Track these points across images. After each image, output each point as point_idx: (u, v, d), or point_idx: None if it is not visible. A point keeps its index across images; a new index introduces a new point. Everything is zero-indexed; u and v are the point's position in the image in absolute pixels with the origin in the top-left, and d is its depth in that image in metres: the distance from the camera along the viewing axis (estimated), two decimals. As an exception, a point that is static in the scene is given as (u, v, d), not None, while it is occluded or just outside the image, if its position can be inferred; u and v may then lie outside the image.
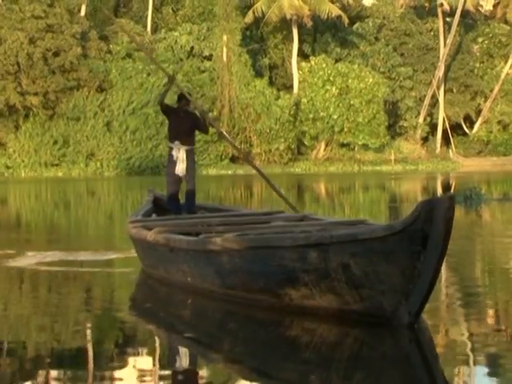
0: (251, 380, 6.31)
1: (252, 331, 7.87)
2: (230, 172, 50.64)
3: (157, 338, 8.10)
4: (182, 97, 12.69)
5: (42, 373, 7.02)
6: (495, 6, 62.38)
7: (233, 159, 51.43)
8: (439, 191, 31.50)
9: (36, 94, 50.15)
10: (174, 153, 12.24)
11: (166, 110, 12.46)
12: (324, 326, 7.67)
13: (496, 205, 23.62)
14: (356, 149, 55.52)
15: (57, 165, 50.77)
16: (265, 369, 6.49)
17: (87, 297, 10.18)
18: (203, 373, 6.64)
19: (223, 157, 51.57)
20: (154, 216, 11.93)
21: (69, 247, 14.83)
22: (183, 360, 7.15)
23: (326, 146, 55.67)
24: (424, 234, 6.93)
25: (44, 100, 50.59)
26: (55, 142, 51.00)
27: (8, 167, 50.60)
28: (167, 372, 6.73)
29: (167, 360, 7.20)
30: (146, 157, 50.50)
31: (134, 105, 51.58)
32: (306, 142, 55.48)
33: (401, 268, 7.08)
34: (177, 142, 12.25)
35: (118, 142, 50.93)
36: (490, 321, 8.04)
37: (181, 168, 12.28)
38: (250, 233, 9.25)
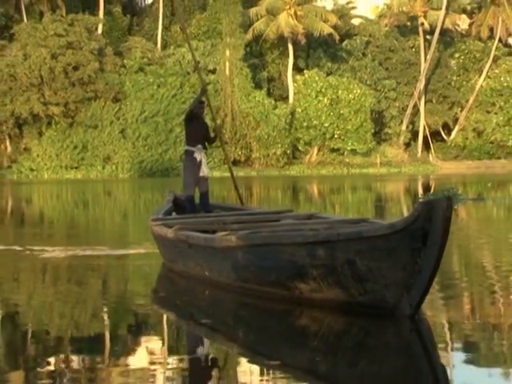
0: (263, 365, 6.27)
1: (264, 321, 7.82)
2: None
3: (177, 326, 8.10)
4: (203, 102, 12.59)
5: (61, 355, 7.01)
6: (470, 25, 62.36)
7: (234, 163, 51.40)
8: (420, 192, 31.43)
9: (57, 104, 50.13)
10: (196, 155, 12.01)
11: (192, 116, 12.20)
12: (331, 316, 7.64)
13: (471, 204, 23.63)
14: (345, 153, 55.49)
15: (76, 168, 50.75)
16: (276, 355, 6.46)
17: (112, 288, 10.20)
18: (219, 358, 6.61)
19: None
20: (173, 214, 11.82)
21: (89, 242, 14.81)
22: (200, 346, 7.14)
23: (319, 150, 55.66)
24: (424, 232, 6.90)
25: (65, 109, 50.57)
26: (75, 147, 50.98)
27: (32, 170, 50.59)
28: (185, 356, 6.73)
29: (185, 345, 7.24)
30: (156, 160, 50.53)
31: (146, 114, 51.58)
32: (300, 148, 55.46)
33: (402, 263, 7.04)
34: (199, 146, 12.09)
35: (131, 147, 50.93)
36: (479, 310, 8.04)
37: (206, 170, 12.17)
38: (262, 230, 9.18)
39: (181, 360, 6.58)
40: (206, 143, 12.46)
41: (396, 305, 7.15)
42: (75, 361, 6.87)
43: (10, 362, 6.82)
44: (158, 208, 12.82)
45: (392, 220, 11.11)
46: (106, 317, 8.53)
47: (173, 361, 6.55)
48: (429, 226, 6.89)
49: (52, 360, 6.85)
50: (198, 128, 12.14)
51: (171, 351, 6.97)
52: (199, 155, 12.04)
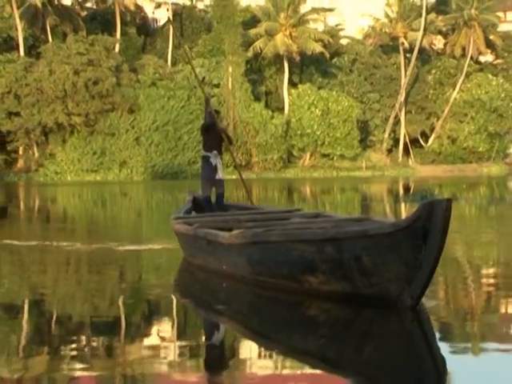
0: (276, 351, 6.23)
1: (277, 310, 7.75)
2: (234, 177, 50.59)
3: (196, 314, 8.08)
4: (217, 111, 12.60)
5: (84, 337, 6.99)
6: (445, 44, 62.41)
7: (235, 166, 51.37)
8: (401, 192, 31.44)
9: (79, 114, 50.16)
10: (212, 160, 11.97)
11: (207, 127, 12.18)
12: (338, 307, 7.59)
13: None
14: (335, 158, 55.53)
15: (96, 171, 50.77)
16: (288, 342, 6.44)
17: (135, 279, 10.14)
18: (235, 343, 6.62)
19: (229, 164, 51.51)
20: (193, 213, 11.71)
21: (109, 238, 14.78)
22: (217, 332, 7.13)
23: (311, 156, 55.67)
24: (425, 231, 6.80)
25: (85, 119, 50.60)
26: (94, 153, 51.02)
27: (57, 173, 50.62)
28: (203, 340, 6.75)
29: (204, 331, 7.24)
30: (166, 165, 50.60)
31: (158, 123, 51.62)
32: (294, 153, 55.49)
33: (405, 259, 6.95)
34: (215, 152, 12.04)
35: (144, 152, 50.97)
36: (468, 301, 7.98)
37: (221, 174, 12.12)
38: (275, 229, 9.06)
39: (198, 344, 6.57)
40: (226, 143, 12.36)
41: (398, 297, 7.06)
42: (104, 341, 6.81)
43: (37, 342, 6.82)
44: (179, 208, 12.71)
45: (377, 217, 11.05)
46: (132, 304, 8.50)
47: (191, 344, 6.53)
48: (429, 224, 6.78)
49: (78, 340, 6.85)
50: (214, 136, 12.09)
51: (190, 335, 6.96)
52: (215, 160, 12.00)
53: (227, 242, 8.92)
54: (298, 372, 5.70)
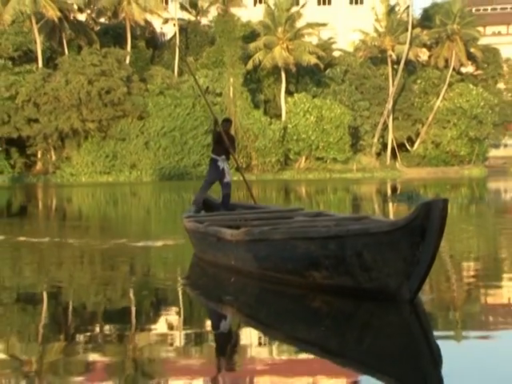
0: (282, 340, 6.22)
1: (282, 303, 7.71)
2: (235, 178, 50.57)
3: (206, 306, 8.05)
4: (226, 120, 12.49)
5: (98, 325, 6.99)
6: (429, 56, 62.37)
7: (237, 168, 51.33)
8: (389, 192, 31.43)
9: (93, 121, 50.18)
10: (219, 164, 11.93)
11: (219, 135, 12.04)
12: (340, 300, 7.53)
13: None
14: (328, 161, 55.50)
15: (108, 173, 50.77)
16: (293, 332, 6.42)
17: (148, 273, 10.11)
18: (243, 333, 6.63)
19: (230, 166, 51.55)
20: (202, 212, 11.61)
21: (120, 234, 14.77)
22: (227, 323, 7.09)
23: (306, 159, 55.66)
24: (423, 229, 6.75)
25: (99, 125, 50.62)
26: (107, 156, 51.02)
27: (72, 175, 50.63)
28: (213, 330, 6.75)
29: (214, 321, 7.20)
30: (173, 167, 50.59)
31: (165, 129, 51.61)
32: (291, 156, 55.46)
33: (403, 255, 6.91)
34: (223, 157, 12.00)
35: (153, 156, 50.97)
36: (457, 293, 8.01)
37: (229, 177, 12.01)
38: (280, 226, 8.98)
39: (209, 333, 6.59)
40: (231, 152, 12.27)
41: (397, 290, 7.02)
42: (121, 329, 6.79)
43: (54, 330, 6.84)
44: (187, 207, 12.62)
45: (374, 216, 10.93)
46: (146, 295, 8.50)
47: (201, 333, 6.53)
48: (427, 223, 6.74)
49: (92, 328, 6.85)
50: (223, 143, 11.96)
51: (200, 325, 6.98)
52: (222, 164, 11.97)
53: (236, 239, 8.85)
54: (302, 360, 5.67)
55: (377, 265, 7.11)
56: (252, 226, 9.46)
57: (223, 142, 11.96)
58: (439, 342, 5.93)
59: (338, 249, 7.36)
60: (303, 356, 5.79)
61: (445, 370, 5.21)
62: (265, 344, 6.20)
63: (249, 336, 6.48)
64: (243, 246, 8.73)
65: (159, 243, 12.45)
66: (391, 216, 17.89)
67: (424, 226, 6.74)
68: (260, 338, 6.42)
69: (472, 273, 9.41)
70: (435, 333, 6.32)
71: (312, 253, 7.64)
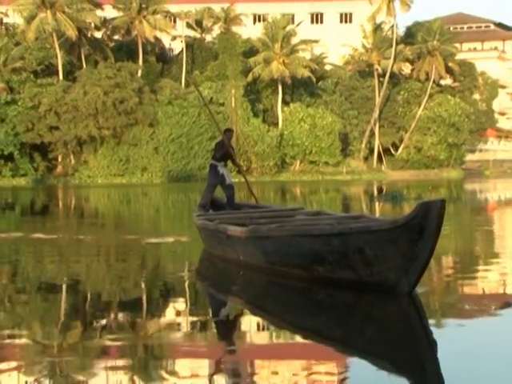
0: (288, 330, 6.13)
1: (288, 295, 7.58)
2: (236, 180, 50.57)
3: (216, 297, 7.93)
4: (228, 130, 12.39)
5: (112, 313, 6.98)
6: (412, 70, 62.38)
7: (239, 171, 51.31)
8: (375, 193, 31.42)
9: (108, 128, 50.20)
10: (219, 169, 11.79)
11: (222, 145, 11.91)
12: (343, 292, 7.37)
13: (413, 202, 23.63)
14: (320, 165, 55.53)
15: (121, 175, 50.81)
16: (298, 322, 6.32)
17: (160, 266, 10.01)
18: (252, 323, 6.50)
19: (232, 169, 51.58)
20: (211, 211, 11.44)
21: (134, 231, 14.74)
22: (236, 313, 6.99)
23: (300, 162, 55.69)
24: (421, 227, 6.62)
25: (113, 132, 50.63)
26: (120, 160, 51.06)
27: (89, 177, 50.68)
28: (223, 320, 6.64)
29: (223, 312, 7.07)
30: (180, 170, 50.64)
31: (173, 135, 51.65)
32: (287, 160, 55.49)
33: (402, 251, 6.77)
34: (222, 163, 11.88)
35: (162, 160, 51.00)
36: (454, 287, 7.92)
37: (229, 180, 11.83)
38: (286, 224, 8.80)
39: (219, 322, 6.48)
40: (230, 161, 12.14)
41: (396, 284, 6.88)
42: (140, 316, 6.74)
43: (73, 317, 6.83)
44: (197, 208, 12.45)
45: (370, 214, 10.81)
46: (160, 285, 8.43)
47: (212, 322, 6.44)
48: (425, 221, 6.60)
49: (107, 315, 6.84)
50: (225, 151, 11.85)
51: (209, 313, 6.91)
52: (221, 169, 11.84)
53: (244, 235, 8.71)
54: (307, 347, 5.58)
55: (378, 260, 6.96)
56: (258, 224, 9.30)
57: (228, 150, 11.84)
58: (433, 329, 5.92)
59: (341, 245, 7.22)
60: (308, 343, 5.70)
61: (440, 353, 5.19)
62: (272, 333, 6.11)
63: (256, 326, 6.36)
64: (251, 242, 8.58)
65: (170, 239, 12.36)
66: (377, 213, 17.89)
67: (422, 224, 6.61)
68: (267, 327, 6.33)
69: (458, 266, 9.39)
70: (430, 320, 6.27)
71: (316, 249, 7.49)
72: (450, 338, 5.61)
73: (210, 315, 6.93)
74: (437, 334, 5.76)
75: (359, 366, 5.03)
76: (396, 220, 7.01)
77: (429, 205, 6.65)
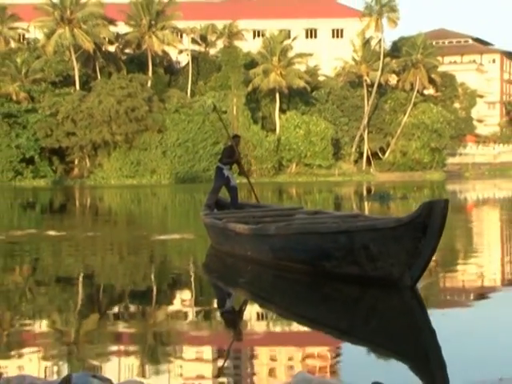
0: (296, 321, 6.02)
1: (295, 288, 7.36)
2: (238, 181, 50.54)
3: (225, 290, 7.78)
4: (236, 136, 12.29)
5: (124, 303, 6.96)
6: (398, 81, 62.35)
7: (243, 173, 51.21)
8: (364, 193, 31.42)
9: (120, 134, 50.14)
10: (225, 172, 11.65)
11: (230, 150, 11.85)
12: (348, 286, 7.17)
13: (399, 201, 23.66)
14: (314, 167, 55.47)
15: (133, 177, 50.73)
16: (305, 314, 6.18)
17: (170, 261, 9.90)
18: (260, 314, 6.40)
19: (234, 171, 51.44)
20: (215, 210, 11.24)
21: (144, 228, 14.72)
22: (245, 305, 6.88)
23: (296, 165, 55.63)
24: (425, 225, 6.44)
25: (125, 138, 50.57)
26: (132, 163, 50.98)
27: (103, 178, 50.61)
28: (232, 311, 6.52)
29: (232, 303, 6.95)
30: (186, 172, 50.57)
31: (180, 140, 51.57)
32: (283, 163, 55.44)
33: (406, 248, 6.59)
34: (228, 166, 11.75)
35: (169, 163, 50.95)
36: (450, 280, 7.86)
37: (234, 182, 11.71)
38: (294, 223, 8.57)
39: (228, 313, 6.39)
40: (236, 165, 12.02)
41: (400, 278, 6.69)
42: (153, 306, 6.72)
43: (88, 306, 6.83)
44: (203, 208, 12.28)
45: (367, 213, 10.62)
46: (172, 277, 8.34)
47: (221, 313, 6.36)
48: (429, 220, 6.42)
49: (119, 304, 6.83)
50: (231, 156, 11.76)
51: (220, 306, 6.79)
52: (227, 172, 11.70)
53: (253, 233, 8.56)
54: (315, 336, 5.49)
55: (382, 256, 6.77)
56: (263, 223, 9.11)
57: (234, 154, 11.73)
58: (433, 317, 5.86)
59: (348, 242, 7.03)
60: (315, 334, 5.60)
61: (440, 338, 5.16)
62: (280, 324, 5.99)
63: (265, 317, 6.24)
64: (260, 240, 8.38)
65: (177, 236, 12.30)
66: (366, 211, 17.88)
67: (426, 222, 6.43)
68: (275, 318, 6.20)
69: (448, 260, 9.36)
70: (430, 310, 6.21)
71: (323, 245, 7.28)
72: (448, 325, 5.57)
73: (219, 306, 6.84)
74: (436, 322, 5.68)
75: (364, 354, 4.95)
76: (400, 219, 6.83)
77: (432, 204, 6.47)
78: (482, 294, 7.01)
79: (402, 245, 6.59)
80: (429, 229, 6.44)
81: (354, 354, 4.95)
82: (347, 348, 5.18)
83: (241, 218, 9.89)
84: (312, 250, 7.46)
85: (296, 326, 5.87)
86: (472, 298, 6.81)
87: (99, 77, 53.96)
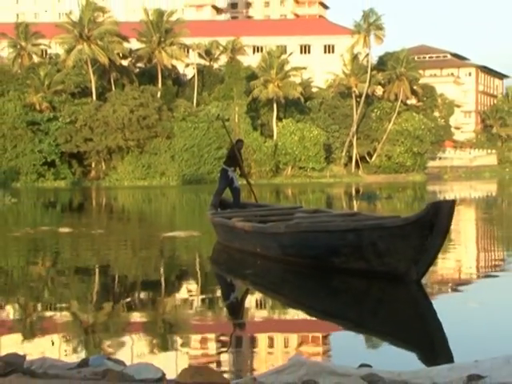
0: (305, 312, 5.86)
1: (304, 282, 7.12)
2: (239, 182, 50.51)
3: (234, 283, 7.57)
4: (239, 141, 12.18)
5: (136, 293, 6.94)
6: (383, 92, 62.31)
7: (244, 175, 51.17)
8: (353, 193, 31.41)
9: (133, 140, 50.14)
10: (229, 173, 11.45)
11: (234, 152, 11.66)
12: (356, 279, 6.88)
13: (384, 200, 23.66)
14: (308, 170, 55.47)
15: (144, 179, 50.71)
16: (314, 306, 6.00)
17: (179, 256, 9.73)
18: (270, 306, 6.23)
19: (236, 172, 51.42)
20: (219, 210, 10.95)
21: (155, 225, 14.68)
22: (255, 297, 6.70)
23: (291, 168, 55.62)
24: (431, 224, 6.20)
25: (137, 143, 50.56)
26: (143, 166, 50.96)
27: (117, 180, 50.59)
28: (243, 303, 6.32)
29: (243, 296, 6.75)
30: (192, 174, 50.56)
31: (187, 146, 51.53)
32: (280, 166, 55.41)
33: (413, 245, 6.35)
34: (232, 168, 11.55)
35: (177, 166, 50.92)
36: (447, 275, 7.64)
37: (237, 183, 11.52)
38: (303, 222, 8.24)
39: (239, 305, 6.22)
40: (241, 165, 11.83)
41: (406, 272, 6.44)
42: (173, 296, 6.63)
43: (104, 296, 6.82)
44: (209, 207, 12.04)
45: (365, 211, 10.34)
46: (179, 271, 8.23)
47: (231, 305, 6.23)
48: (435, 219, 6.17)
49: (132, 294, 6.81)
50: (234, 159, 11.61)
51: (230, 298, 6.64)
52: (231, 174, 11.51)
53: (262, 231, 8.28)
54: (326, 326, 5.32)
55: (389, 252, 6.52)
56: (268, 221, 8.80)
57: (236, 157, 11.59)
58: (436, 308, 5.74)
59: (356, 239, 6.77)
60: (326, 324, 5.42)
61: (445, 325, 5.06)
62: (289, 315, 5.79)
63: (275, 308, 6.07)
64: (270, 237, 8.09)
65: (185, 232, 12.20)
66: (355, 209, 17.86)
67: (433, 221, 6.19)
68: (285, 309, 6.01)
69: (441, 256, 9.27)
70: (435, 305, 6.00)
71: (332, 242, 7.01)
72: (450, 312, 5.48)
73: (225, 295, 6.72)
74: (439, 314, 5.49)
75: (372, 341, 4.80)
76: (408, 217, 6.58)
77: (439, 204, 6.25)
78: (463, 283, 7.00)
79: (409, 242, 6.36)
80: (435, 227, 6.21)
81: (362, 342, 4.79)
82: (354, 336, 4.99)
83: (250, 217, 9.63)
84: (321, 247, 7.20)
85: (305, 316, 5.71)
86: (460, 286, 6.78)
87: (114, 88, 53.95)
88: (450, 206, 6.22)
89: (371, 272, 6.74)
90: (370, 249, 6.67)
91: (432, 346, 4.69)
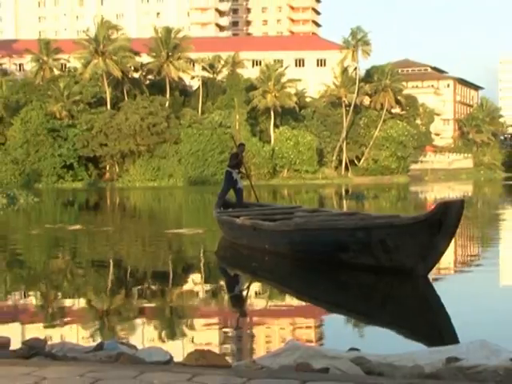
0: (314, 304, 5.67)
1: (313, 276, 6.78)
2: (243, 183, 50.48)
3: (243, 278, 7.34)
4: (241, 144, 12.06)
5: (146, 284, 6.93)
6: (370, 101, 62.28)
7: (247, 176, 51.10)
8: (343, 193, 31.38)
9: (144, 145, 50.12)
10: (233, 175, 11.26)
11: (237, 155, 11.55)
12: (364, 274, 6.56)
13: (371, 200, 23.62)
14: (302, 172, 55.43)
15: (153, 180, 50.69)
16: (323, 298, 5.79)
17: (188, 252, 9.54)
18: (280, 299, 6.05)
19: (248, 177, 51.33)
20: (221, 209, 10.65)
21: (165, 223, 14.62)
22: (265, 290, 6.47)
23: (287, 170, 55.61)
24: (440, 222, 5.92)
25: (147, 148, 50.54)
26: (153, 169, 50.95)
27: (130, 181, 50.55)
28: (252, 296, 6.12)
29: (252, 290, 6.51)
30: (197, 176, 50.50)
31: (192, 150, 51.48)
32: (277, 169, 55.36)
33: (421, 242, 6.06)
34: (236, 170, 11.36)
35: (184, 169, 50.88)
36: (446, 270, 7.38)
37: (241, 184, 11.33)
38: (312, 219, 7.96)
39: (248, 298, 6.02)
40: (244, 166, 11.69)
41: (413, 268, 6.15)
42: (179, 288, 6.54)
43: (116, 286, 6.81)
44: (214, 207, 11.44)
45: (364, 211, 10.03)
46: (186, 264, 8.08)
47: (239, 299, 6.04)
48: (444, 218, 5.89)
49: (142, 284, 6.80)
50: (239, 161, 11.47)
51: (238, 292, 6.46)
52: (235, 175, 11.32)
53: (271, 229, 7.94)
54: (335, 318, 5.15)
55: (397, 249, 6.23)
56: (272, 220, 8.50)
57: (239, 160, 11.45)
58: (444, 302, 5.55)
59: (365, 237, 6.47)
60: (335, 316, 5.23)
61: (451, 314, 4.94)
62: (299, 307, 5.59)
63: (284, 301, 5.87)
64: (278, 234, 7.77)
65: (192, 229, 12.01)
66: (345, 207, 17.80)
67: (441, 220, 5.91)
68: (294, 302, 5.83)
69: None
70: (442, 299, 5.76)
71: (341, 240, 6.70)
72: (454, 302, 5.39)
73: (229, 287, 6.60)
74: (446, 307, 5.29)
75: (381, 332, 4.62)
76: (417, 216, 6.33)
77: (448, 204, 5.97)
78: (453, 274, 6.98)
79: (418, 239, 6.07)
80: (443, 226, 5.92)
81: (371, 333, 4.61)
82: (364, 327, 4.80)
83: (255, 216, 9.33)
84: (330, 244, 6.87)
85: (315, 309, 5.53)
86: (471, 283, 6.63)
87: (126, 98, 53.92)
88: (459, 205, 5.95)
89: (379, 268, 6.48)
90: (378, 246, 6.40)
91: (431, 331, 4.62)
